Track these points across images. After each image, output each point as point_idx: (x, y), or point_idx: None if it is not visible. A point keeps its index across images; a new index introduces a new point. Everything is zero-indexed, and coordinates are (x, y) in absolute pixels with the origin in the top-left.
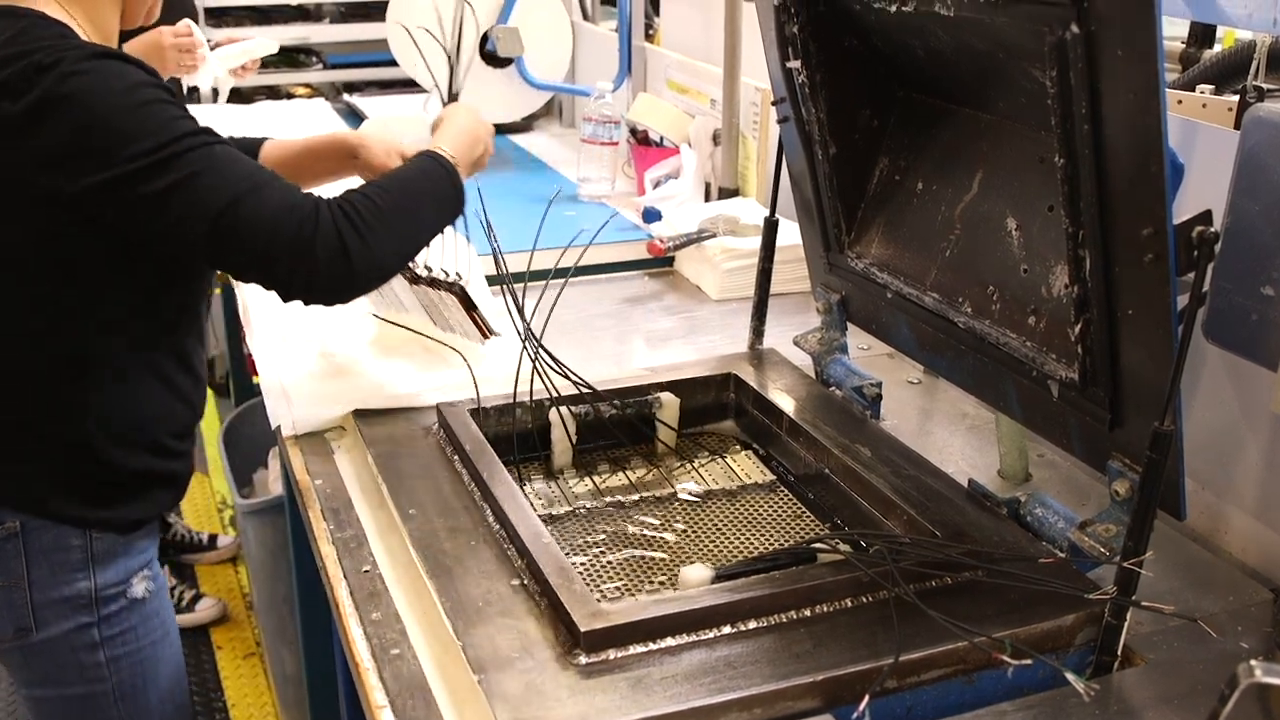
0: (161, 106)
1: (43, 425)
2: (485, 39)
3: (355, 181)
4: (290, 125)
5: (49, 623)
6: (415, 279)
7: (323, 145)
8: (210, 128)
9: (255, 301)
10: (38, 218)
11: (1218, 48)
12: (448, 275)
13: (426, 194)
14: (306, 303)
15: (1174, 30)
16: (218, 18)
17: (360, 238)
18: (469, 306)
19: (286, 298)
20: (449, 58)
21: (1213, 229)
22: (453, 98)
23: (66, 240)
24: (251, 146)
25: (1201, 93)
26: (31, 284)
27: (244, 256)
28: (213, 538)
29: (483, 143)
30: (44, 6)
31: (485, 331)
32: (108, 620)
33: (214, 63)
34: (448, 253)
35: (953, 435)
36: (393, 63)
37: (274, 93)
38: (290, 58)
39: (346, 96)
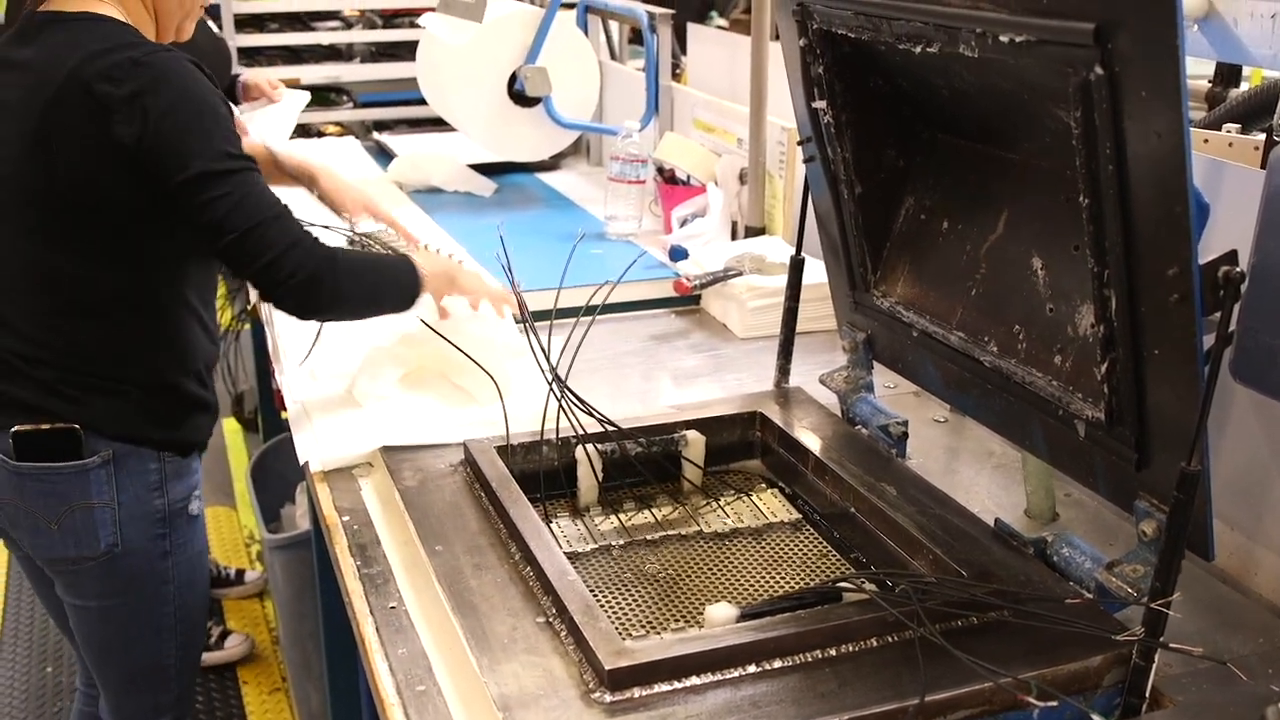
0: (226, 121)
1: (132, 361)
2: (514, 79)
3: None
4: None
5: (132, 538)
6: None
7: (291, 163)
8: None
9: (286, 337)
10: (128, 183)
11: (1244, 86)
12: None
13: (392, 289)
14: (282, 309)
15: (1200, 69)
16: (251, 57)
17: (331, 290)
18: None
19: (264, 299)
20: None
21: (1239, 269)
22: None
23: (146, 203)
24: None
25: (1228, 132)
26: (119, 237)
27: (252, 264)
28: (240, 572)
29: (458, 286)
30: (111, 12)
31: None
32: (174, 532)
33: (256, 135)
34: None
35: (979, 474)
36: (422, 101)
37: (305, 131)
38: (321, 96)
39: (376, 135)
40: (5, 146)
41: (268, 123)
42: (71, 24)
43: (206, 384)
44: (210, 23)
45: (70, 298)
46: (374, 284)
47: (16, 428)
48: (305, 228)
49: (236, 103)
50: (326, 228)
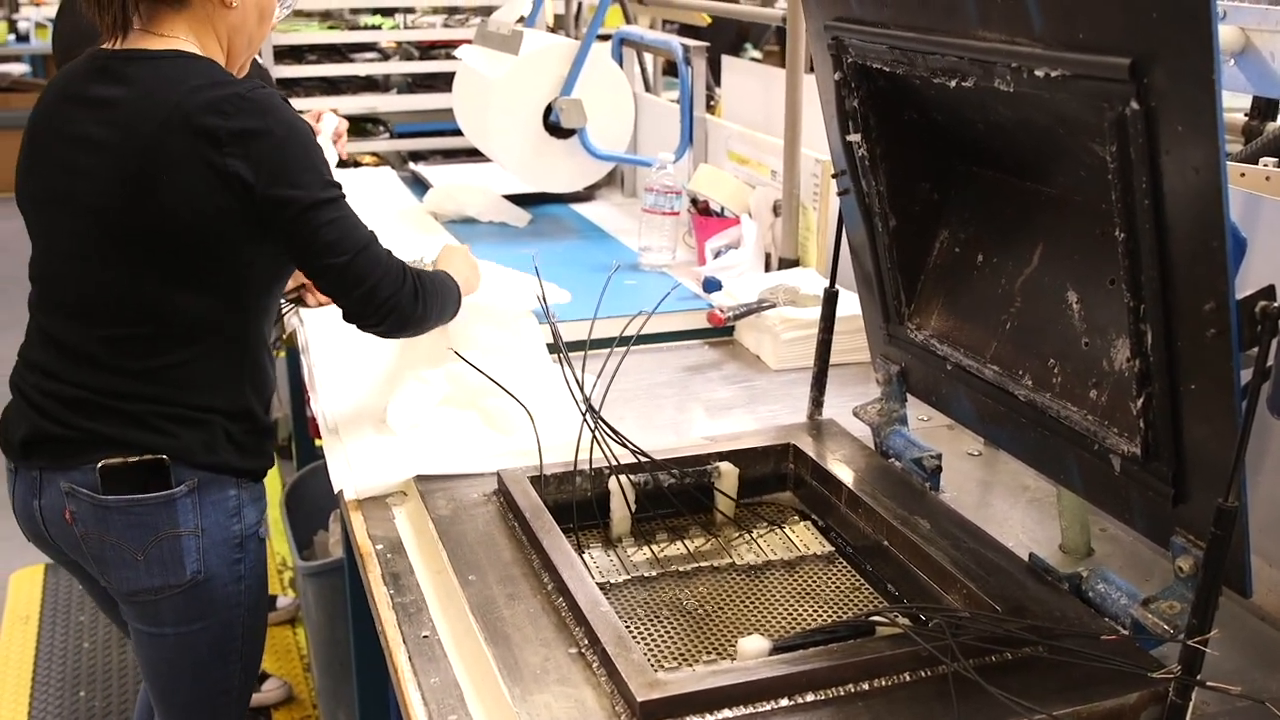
0: (320, 149)
1: (218, 391)
2: (549, 110)
3: None
4: (358, 193)
5: (213, 564)
6: None
7: None
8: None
9: (321, 366)
10: (231, 214)
11: None
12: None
13: (450, 304)
14: (366, 330)
15: (1237, 102)
16: (288, 88)
17: (425, 303)
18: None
19: (359, 325)
20: None
21: (1276, 304)
22: None
23: (245, 234)
24: None
25: (1265, 166)
26: (216, 267)
27: (353, 290)
28: (272, 598)
29: (474, 271)
30: (194, 50)
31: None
32: (247, 556)
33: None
34: (511, 325)
35: (1013, 508)
36: (457, 132)
37: (342, 161)
38: (358, 127)
39: (412, 165)
40: (98, 181)
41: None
42: (161, 62)
43: (269, 413)
44: (259, 60)
45: (164, 329)
46: (441, 303)
47: (104, 462)
48: (391, 252)
49: None
50: None
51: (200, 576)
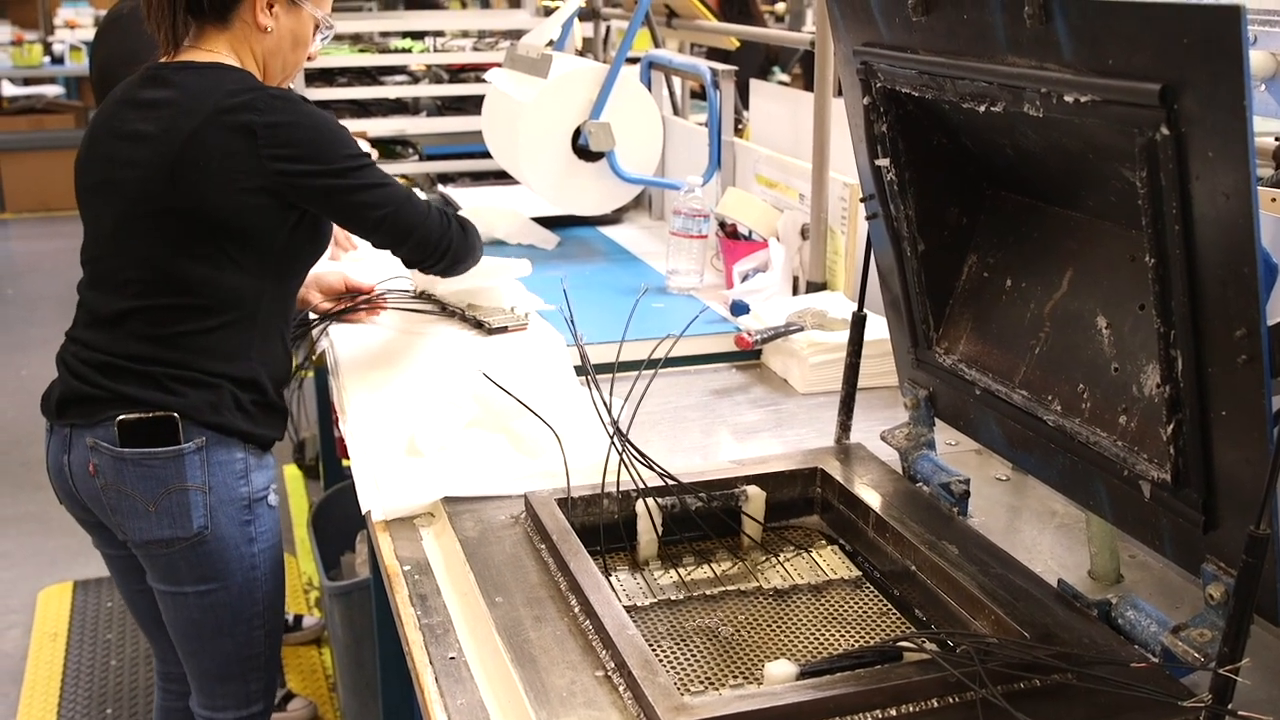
0: (346, 131)
1: (233, 360)
2: (578, 133)
3: None
4: None
5: (220, 523)
6: None
7: None
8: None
9: (350, 387)
10: (263, 197)
11: None
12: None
13: (477, 240)
14: (428, 271)
15: (1267, 127)
16: None
17: (470, 239)
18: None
19: (421, 268)
20: None
21: None
22: None
23: (269, 223)
24: None
25: None
26: (247, 247)
27: (405, 239)
28: (298, 618)
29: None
30: (229, 61)
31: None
32: (257, 519)
33: None
34: (539, 343)
35: (1042, 534)
36: (486, 155)
37: None
38: (388, 149)
39: (441, 187)
40: (140, 169)
41: None
42: (206, 70)
43: (281, 394)
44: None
45: (190, 301)
46: (475, 239)
47: (122, 417)
48: (426, 200)
49: None
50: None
51: (207, 533)
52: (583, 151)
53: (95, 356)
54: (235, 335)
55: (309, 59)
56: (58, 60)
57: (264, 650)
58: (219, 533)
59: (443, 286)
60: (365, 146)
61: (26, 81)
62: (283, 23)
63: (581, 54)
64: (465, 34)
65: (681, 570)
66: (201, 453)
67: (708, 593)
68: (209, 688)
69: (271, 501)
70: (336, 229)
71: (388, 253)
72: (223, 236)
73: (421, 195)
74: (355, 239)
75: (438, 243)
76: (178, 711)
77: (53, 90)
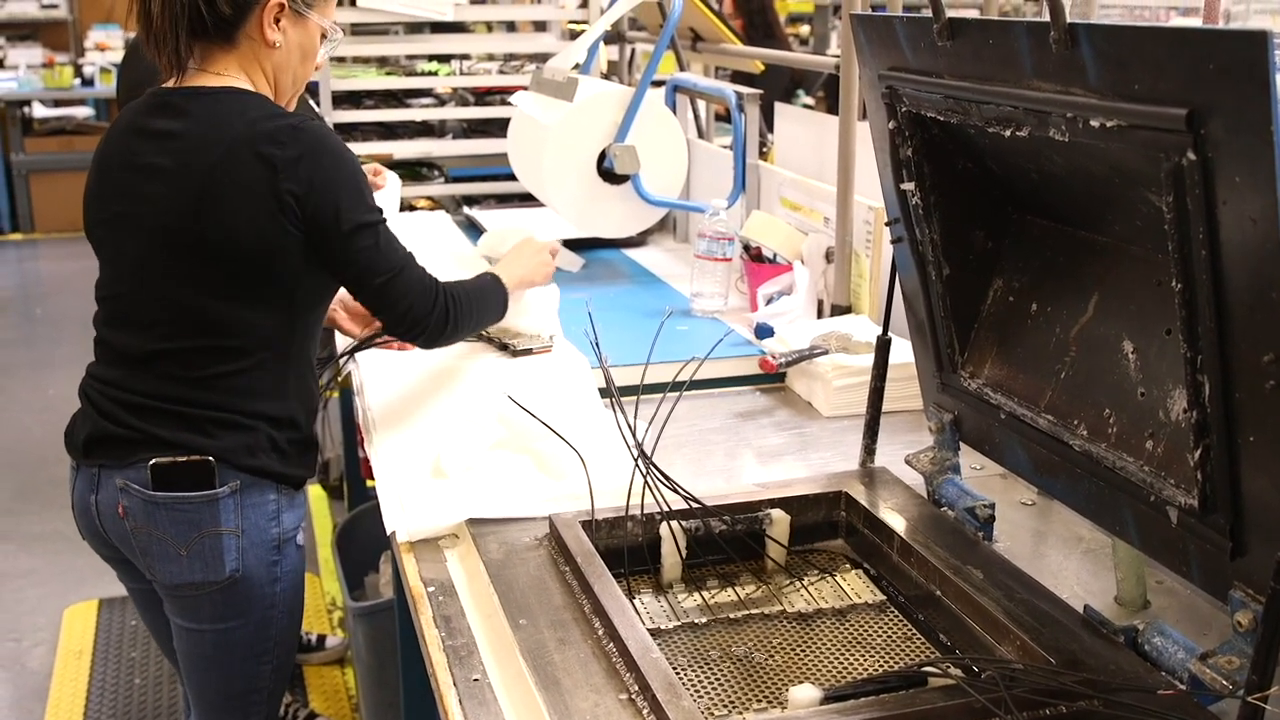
0: (364, 177)
1: (266, 400)
2: (603, 156)
3: None
4: (412, 237)
5: (250, 565)
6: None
7: None
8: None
9: (375, 408)
10: (287, 234)
11: None
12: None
13: (491, 308)
14: (412, 344)
15: None
16: (346, 132)
17: (455, 320)
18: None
19: (400, 337)
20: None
21: None
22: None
23: (299, 254)
24: None
25: None
26: (271, 285)
27: (393, 308)
28: (321, 638)
29: (541, 266)
30: (241, 83)
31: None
32: (284, 559)
33: None
34: (564, 366)
35: (1067, 559)
36: (511, 177)
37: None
38: (414, 171)
39: (466, 209)
40: (160, 204)
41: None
42: (221, 96)
43: (313, 427)
44: (309, 100)
45: (218, 341)
46: (481, 310)
47: (155, 460)
48: (426, 271)
49: None
50: None
51: (238, 575)
52: (608, 174)
53: (125, 396)
54: (270, 374)
55: (315, 68)
56: (88, 82)
57: (269, 684)
58: (246, 574)
59: None
60: (391, 179)
61: (57, 103)
62: (290, 36)
63: (607, 77)
64: (491, 57)
65: (705, 593)
66: (236, 496)
67: (731, 616)
68: (209, 716)
69: (299, 541)
70: None
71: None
72: (248, 272)
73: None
74: (386, 173)
75: (417, 321)
76: None
77: (83, 112)
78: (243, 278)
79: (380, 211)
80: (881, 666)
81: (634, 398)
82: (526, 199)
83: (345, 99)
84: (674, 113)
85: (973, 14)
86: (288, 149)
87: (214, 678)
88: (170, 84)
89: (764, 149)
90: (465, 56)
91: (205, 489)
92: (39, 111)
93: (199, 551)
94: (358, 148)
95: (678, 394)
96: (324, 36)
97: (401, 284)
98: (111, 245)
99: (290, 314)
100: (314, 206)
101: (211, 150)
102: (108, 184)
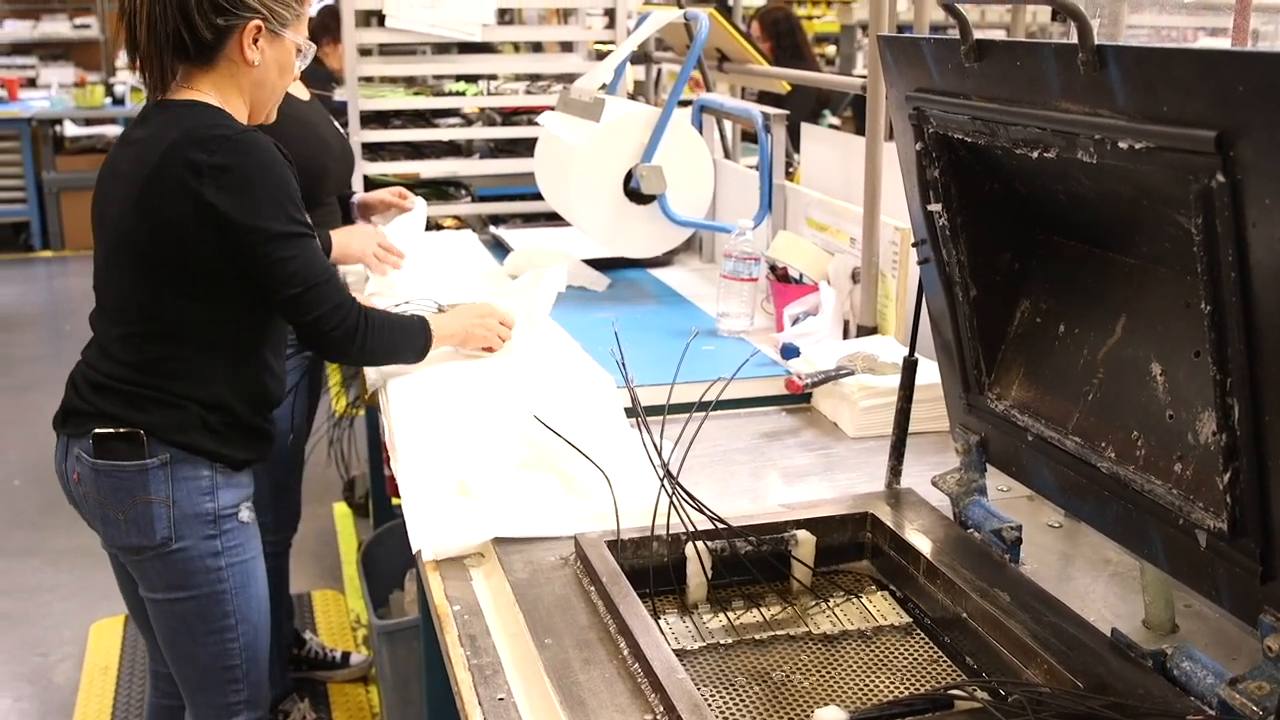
0: (296, 193)
1: (197, 383)
2: (630, 176)
3: None
4: (439, 256)
5: (184, 535)
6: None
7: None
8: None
9: (401, 426)
10: (212, 236)
11: None
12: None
13: (406, 346)
14: (316, 354)
15: None
16: (374, 152)
17: (364, 342)
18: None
19: (305, 346)
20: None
21: None
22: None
23: (226, 254)
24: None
25: None
26: (204, 280)
27: (303, 317)
28: (345, 655)
29: (480, 329)
30: (209, 99)
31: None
32: (225, 534)
33: (397, 240)
34: (588, 383)
35: (1095, 582)
36: (537, 196)
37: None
38: (441, 191)
39: (493, 228)
40: (116, 204)
41: (405, 228)
42: (176, 108)
43: (265, 416)
44: (336, 122)
45: (159, 327)
46: (395, 342)
47: (97, 430)
48: (346, 291)
49: (352, 220)
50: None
51: (172, 544)
52: (634, 194)
53: (91, 375)
54: (203, 361)
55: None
56: (119, 101)
57: (241, 663)
58: (184, 545)
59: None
60: (417, 203)
61: (88, 122)
62: (268, 55)
63: (633, 97)
64: (518, 77)
65: (730, 614)
66: (166, 468)
67: (757, 637)
68: (191, 696)
69: (243, 518)
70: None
71: (410, 229)
72: (183, 270)
73: (347, 278)
74: (413, 197)
75: (324, 334)
76: (165, 709)
77: (113, 130)
78: (173, 274)
79: (305, 225)
80: (907, 689)
81: (660, 417)
82: (553, 218)
83: (373, 119)
84: (700, 133)
85: (1000, 35)
86: (215, 156)
87: (182, 652)
88: (156, 99)
89: (790, 169)
90: (492, 77)
91: (136, 459)
92: (70, 130)
93: (133, 517)
94: (386, 167)
95: (703, 414)
96: (299, 51)
97: (313, 297)
98: (96, 242)
99: (227, 309)
100: (233, 214)
101: (152, 156)
102: (98, 189)
